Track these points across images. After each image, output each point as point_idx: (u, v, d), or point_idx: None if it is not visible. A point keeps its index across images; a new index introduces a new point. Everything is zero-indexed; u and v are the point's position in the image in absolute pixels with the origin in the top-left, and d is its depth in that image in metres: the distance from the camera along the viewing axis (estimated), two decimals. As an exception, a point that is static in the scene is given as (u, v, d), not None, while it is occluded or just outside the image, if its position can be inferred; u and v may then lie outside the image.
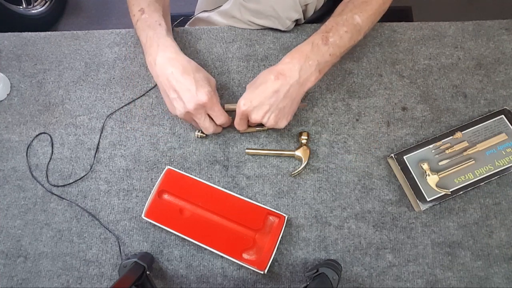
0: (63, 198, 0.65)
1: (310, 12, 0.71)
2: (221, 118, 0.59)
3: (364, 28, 0.59)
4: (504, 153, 0.60)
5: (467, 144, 0.61)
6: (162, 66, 0.56)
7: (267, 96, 0.54)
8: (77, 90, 0.71)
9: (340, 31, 0.57)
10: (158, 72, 0.56)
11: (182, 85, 0.55)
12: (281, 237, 0.59)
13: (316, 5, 0.71)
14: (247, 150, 0.65)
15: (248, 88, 0.58)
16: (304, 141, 0.63)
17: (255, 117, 0.56)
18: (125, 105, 0.69)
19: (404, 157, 0.61)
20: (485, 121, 0.62)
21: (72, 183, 0.65)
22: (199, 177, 0.63)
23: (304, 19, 0.71)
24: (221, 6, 0.78)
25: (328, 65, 0.57)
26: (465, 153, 0.60)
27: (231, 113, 0.67)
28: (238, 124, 0.60)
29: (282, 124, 0.58)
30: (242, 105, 0.55)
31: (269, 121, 0.56)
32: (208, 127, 0.59)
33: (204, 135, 0.66)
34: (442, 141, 0.61)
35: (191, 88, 0.54)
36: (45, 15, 1.60)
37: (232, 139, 0.66)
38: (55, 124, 0.69)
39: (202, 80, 0.56)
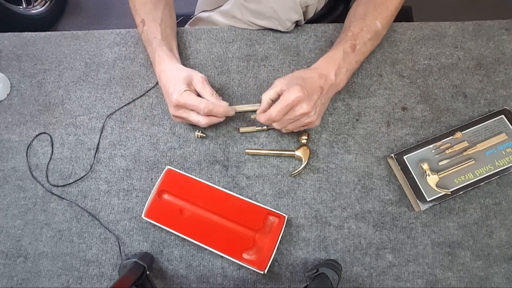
0: (63, 198, 0.65)
1: (311, 13, 0.71)
2: (199, 108, 0.57)
3: (383, 33, 0.64)
4: (504, 153, 0.60)
5: (467, 144, 0.61)
6: (159, 79, 0.62)
7: (316, 89, 0.55)
8: (77, 90, 0.71)
9: (365, 38, 0.61)
10: (160, 84, 0.63)
11: (165, 93, 0.60)
12: (281, 237, 0.59)
13: (316, 6, 0.71)
14: (247, 150, 0.65)
15: (289, 81, 0.55)
16: (304, 141, 0.63)
17: (306, 107, 0.54)
18: (125, 105, 0.70)
19: (404, 157, 0.61)
20: (485, 121, 0.62)
21: (72, 183, 0.65)
22: (199, 177, 0.63)
23: (304, 20, 0.71)
24: (221, 6, 0.78)
25: (353, 71, 0.62)
26: (465, 153, 0.60)
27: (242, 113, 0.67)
28: (280, 111, 0.54)
29: (319, 121, 0.59)
30: (299, 91, 0.52)
31: (314, 115, 0.56)
32: (200, 120, 0.59)
33: (204, 135, 0.66)
34: (442, 141, 0.61)
35: (169, 93, 0.58)
36: (45, 15, 1.61)
37: (232, 139, 0.66)
38: (55, 124, 0.69)
39: (178, 82, 0.58)
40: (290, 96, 0.52)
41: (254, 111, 0.60)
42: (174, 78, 0.59)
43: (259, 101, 0.58)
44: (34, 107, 0.70)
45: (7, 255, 0.63)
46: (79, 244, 0.63)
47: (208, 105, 0.56)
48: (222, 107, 0.58)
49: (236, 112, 0.63)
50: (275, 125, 0.58)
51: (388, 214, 0.61)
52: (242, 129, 0.66)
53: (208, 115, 0.58)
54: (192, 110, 0.58)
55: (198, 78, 0.60)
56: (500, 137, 0.61)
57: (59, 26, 1.71)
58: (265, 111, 0.56)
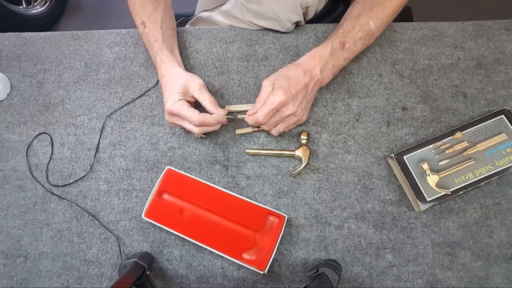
0: (63, 198, 0.65)
1: (311, 14, 0.71)
2: (191, 119, 0.58)
3: (376, 34, 0.63)
4: (504, 153, 0.60)
5: (467, 144, 0.61)
6: (161, 83, 0.63)
7: (300, 88, 0.56)
8: (77, 90, 0.71)
9: (355, 37, 0.61)
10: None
11: (164, 99, 0.61)
12: (281, 237, 0.59)
13: (317, 7, 0.71)
14: (247, 150, 0.65)
15: (275, 81, 0.56)
16: (304, 141, 0.63)
17: (292, 108, 0.56)
18: (125, 105, 0.70)
19: (404, 157, 0.61)
20: (485, 121, 0.62)
21: (72, 183, 0.65)
22: (199, 177, 0.63)
23: (304, 20, 0.71)
24: (222, 6, 0.78)
25: (340, 68, 0.62)
26: (465, 153, 0.60)
27: (233, 114, 0.67)
28: (267, 115, 0.56)
29: (306, 117, 0.62)
30: (283, 94, 0.54)
31: (301, 112, 0.58)
32: (192, 129, 0.59)
33: (204, 135, 0.66)
34: (442, 141, 0.61)
35: (165, 100, 0.60)
36: (45, 15, 1.61)
37: (232, 139, 0.66)
38: (55, 124, 0.69)
39: (174, 90, 0.59)
40: (275, 100, 0.55)
41: (246, 112, 0.61)
42: (171, 84, 0.60)
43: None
44: (34, 107, 0.70)
45: (7, 255, 0.63)
46: (79, 244, 0.63)
47: (199, 118, 0.57)
48: (213, 118, 0.58)
49: (229, 112, 0.65)
50: (263, 127, 0.61)
51: (388, 214, 0.61)
52: (238, 131, 0.66)
53: (200, 125, 0.59)
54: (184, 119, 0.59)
55: (195, 85, 0.60)
56: (500, 137, 0.61)
57: (59, 26, 1.71)
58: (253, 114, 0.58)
